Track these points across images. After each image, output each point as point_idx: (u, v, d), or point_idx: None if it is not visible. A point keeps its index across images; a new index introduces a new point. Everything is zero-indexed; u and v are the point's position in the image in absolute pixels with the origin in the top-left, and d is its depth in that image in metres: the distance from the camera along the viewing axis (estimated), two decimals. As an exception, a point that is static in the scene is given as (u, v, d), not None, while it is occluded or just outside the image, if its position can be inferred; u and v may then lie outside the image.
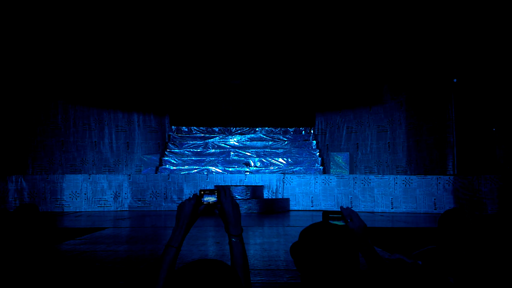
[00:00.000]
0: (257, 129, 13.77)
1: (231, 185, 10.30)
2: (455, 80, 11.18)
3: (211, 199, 1.80)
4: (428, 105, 11.33)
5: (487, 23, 9.88)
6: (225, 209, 1.80)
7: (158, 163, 12.21)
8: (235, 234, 1.76)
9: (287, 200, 10.65)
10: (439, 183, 10.33)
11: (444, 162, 11.27)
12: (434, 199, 10.20)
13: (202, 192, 1.79)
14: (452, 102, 11.13)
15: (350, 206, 10.60)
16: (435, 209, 10.15)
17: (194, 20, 12.13)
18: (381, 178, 10.56)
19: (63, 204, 10.28)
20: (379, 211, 10.38)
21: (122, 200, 10.48)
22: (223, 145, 13.33)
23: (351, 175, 11.14)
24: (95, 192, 10.44)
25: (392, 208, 10.36)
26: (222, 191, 1.80)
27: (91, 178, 10.54)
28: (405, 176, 10.66)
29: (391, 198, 10.39)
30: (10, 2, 9.80)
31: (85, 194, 10.39)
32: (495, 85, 10.37)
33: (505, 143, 10.51)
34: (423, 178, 10.43)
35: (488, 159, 10.75)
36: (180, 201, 11.09)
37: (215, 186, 9.76)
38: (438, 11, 10.32)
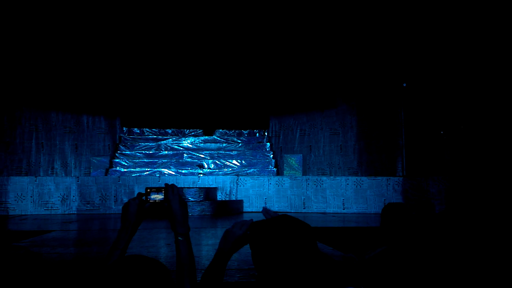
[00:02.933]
0: (212, 132, 13.67)
1: (184, 187, 10.16)
2: (404, 85, 11.51)
3: (158, 197, 1.76)
4: (379, 109, 11.61)
5: (437, 28, 10.23)
6: (172, 207, 1.75)
7: (108, 165, 11.91)
8: (182, 233, 1.72)
9: (241, 201, 10.62)
10: (389, 184, 10.57)
11: (394, 164, 11.57)
12: (384, 199, 10.43)
13: (148, 190, 1.74)
14: (401, 106, 11.45)
15: (303, 207, 10.74)
16: (385, 210, 10.36)
17: (148, 19, 11.95)
18: (333, 179, 10.70)
19: (8, 207, 9.84)
20: (331, 211, 10.51)
21: (70, 203, 10.14)
22: (176, 147, 13.16)
23: (304, 176, 11.23)
24: (41, 195, 10.06)
25: (343, 209, 10.50)
26: (170, 188, 1.75)
27: (37, 180, 10.14)
28: (356, 177, 10.85)
29: (343, 199, 10.54)
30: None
31: (31, 197, 9.99)
32: (443, 90, 10.74)
33: (452, 146, 10.90)
34: (374, 179, 10.65)
35: (436, 161, 11.12)
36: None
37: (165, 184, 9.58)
38: (390, 17, 10.59)
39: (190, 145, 13.35)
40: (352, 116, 12.19)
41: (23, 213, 9.88)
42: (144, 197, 1.73)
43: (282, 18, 12.08)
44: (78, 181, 10.30)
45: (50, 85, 11.64)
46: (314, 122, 12.88)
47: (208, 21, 12.20)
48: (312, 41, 12.44)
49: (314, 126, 12.88)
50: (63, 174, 11.39)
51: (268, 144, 13.54)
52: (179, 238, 1.71)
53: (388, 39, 10.82)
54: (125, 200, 10.06)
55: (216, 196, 10.53)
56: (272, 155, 13.16)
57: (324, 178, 10.86)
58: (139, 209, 1.74)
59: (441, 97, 10.78)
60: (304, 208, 10.57)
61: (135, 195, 1.75)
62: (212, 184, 10.79)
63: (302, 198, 10.71)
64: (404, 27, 10.42)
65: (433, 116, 11.04)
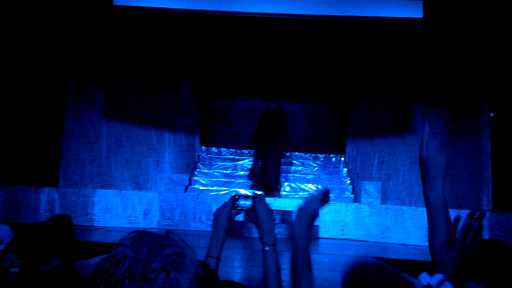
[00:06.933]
0: (286, 154, 13.63)
1: (260, 209, 10.16)
2: (492, 115, 10.94)
3: (246, 203, 1.76)
4: (463, 139, 11.08)
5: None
6: (259, 215, 1.74)
7: (187, 183, 12.18)
8: (269, 243, 1.70)
9: (317, 227, 10.44)
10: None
11: (479, 197, 10.95)
12: (470, 234, 9.84)
13: (237, 197, 1.74)
14: (488, 136, 10.86)
15: (382, 237, 10.38)
16: (470, 245, 9.79)
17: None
18: (414, 210, 10.30)
19: (93, 219, 10.30)
20: (412, 243, 10.08)
21: (151, 218, 10.45)
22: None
23: (383, 205, 10.90)
24: (125, 208, 10.45)
25: (425, 242, 10.01)
26: (257, 196, 1.75)
27: (121, 194, 10.57)
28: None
29: (425, 231, 10.05)
30: None
31: (115, 209, 10.40)
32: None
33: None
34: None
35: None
36: (209, 222, 11.09)
37: (253, 192, 9.63)
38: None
39: (266, 167, 13.38)
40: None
41: (107, 225, 10.29)
42: (232, 204, 1.74)
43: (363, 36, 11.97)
44: (159, 196, 10.62)
45: (137, 103, 12.18)
46: (393, 149, 12.52)
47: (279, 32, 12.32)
48: (392, 62, 12.21)
49: (393, 153, 12.52)
50: (145, 189, 11.78)
51: (345, 169, 13.30)
52: (266, 248, 1.69)
53: (467, 62, 10.36)
54: (203, 218, 10.26)
55: (292, 219, 10.42)
56: (349, 181, 12.90)
57: (404, 207, 10.47)
58: (230, 216, 1.74)
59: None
60: (383, 238, 10.22)
61: (213, 213, 1.75)
62: (288, 208, 10.72)
63: (381, 227, 10.37)
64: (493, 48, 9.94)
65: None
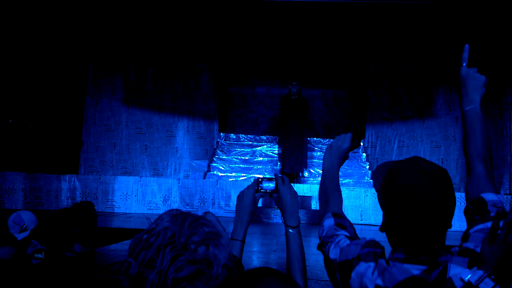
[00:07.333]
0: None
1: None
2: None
3: (270, 185, 1.75)
4: (485, 121, 10.88)
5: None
6: (282, 197, 1.73)
7: (206, 169, 12.26)
8: (292, 226, 1.69)
9: (336, 212, 10.42)
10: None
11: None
12: (491, 219, 9.73)
13: (260, 179, 1.73)
14: (510, 119, 10.65)
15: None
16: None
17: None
18: (434, 195, 10.18)
19: (114, 205, 10.45)
20: (432, 228, 10.00)
21: (171, 204, 10.56)
22: (270, 153, 13.24)
23: (402, 190, 10.80)
24: (145, 195, 10.57)
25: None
26: (280, 178, 1.73)
27: (141, 180, 10.69)
28: (459, 193, 10.23)
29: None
30: None
31: (135, 196, 10.53)
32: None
33: None
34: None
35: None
36: (228, 208, 11.16)
37: (274, 174, 9.69)
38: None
39: (284, 152, 13.38)
40: (455, 128, 11.56)
41: (127, 211, 10.43)
42: (256, 186, 1.73)
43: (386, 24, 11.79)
44: (179, 183, 10.71)
45: (156, 90, 12.25)
46: (413, 133, 12.39)
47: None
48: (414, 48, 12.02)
49: (413, 137, 12.39)
50: (164, 176, 11.88)
51: (364, 154, 13.22)
52: (290, 230, 1.68)
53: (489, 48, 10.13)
54: (222, 204, 10.32)
55: (311, 205, 10.44)
56: (368, 166, 12.83)
57: (424, 192, 10.37)
58: (254, 198, 1.74)
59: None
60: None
61: (232, 199, 1.75)
62: (306, 193, 10.71)
63: (401, 212, 10.29)
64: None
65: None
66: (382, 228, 1.40)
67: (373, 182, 1.52)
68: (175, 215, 0.95)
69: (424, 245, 1.27)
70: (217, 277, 0.88)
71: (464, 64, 1.63)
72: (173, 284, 0.84)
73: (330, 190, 1.70)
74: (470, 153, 1.55)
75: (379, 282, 1.24)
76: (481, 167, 1.50)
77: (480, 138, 1.55)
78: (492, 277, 1.08)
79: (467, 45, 1.72)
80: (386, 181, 1.36)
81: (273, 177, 1.72)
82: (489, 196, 1.38)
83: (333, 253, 1.42)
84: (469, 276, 1.10)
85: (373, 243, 1.36)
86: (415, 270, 1.24)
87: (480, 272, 1.09)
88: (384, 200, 1.37)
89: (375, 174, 1.49)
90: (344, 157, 1.73)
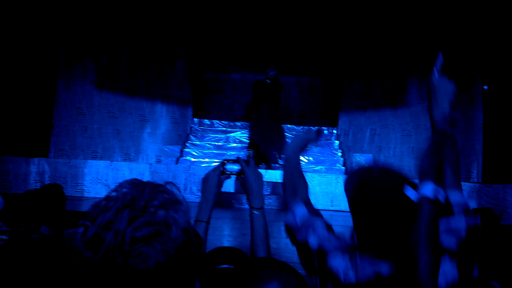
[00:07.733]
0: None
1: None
2: (485, 87, 10.93)
3: (234, 167, 1.77)
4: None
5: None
6: (247, 179, 1.75)
7: (179, 154, 12.19)
8: (257, 207, 1.72)
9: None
10: (464, 190, 10.07)
11: (469, 169, 11.03)
12: (458, 206, 9.97)
13: (225, 162, 1.75)
14: (481, 109, 10.86)
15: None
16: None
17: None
18: (404, 182, 10.37)
19: (83, 189, 10.31)
20: (401, 215, 10.19)
21: (142, 189, 10.48)
22: (244, 140, 13.24)
23: (373, 177, 10.96)
24: (116, 179, 10.44)
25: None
26: (244, 161, 1.75)
27: (113, 165, 10.56)
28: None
29: (414, 203, 10.18)
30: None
31: (105, 180, 10.41)
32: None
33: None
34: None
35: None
36: (200, 193, 11.09)
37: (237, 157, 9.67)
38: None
39: (258, 139, 13.39)
40: (427, 117, 11.74)
41: (97, 196, 10.31)
42: (221, 168, 1.74)
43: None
44: (151, 167, 10.63)
45: (130, 74, 12.08)
46: (385, 122, 12.56)
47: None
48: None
49: (385, 126, 12.56)
50: (136, 161, 11.78)
51: (337, 142, 13.35)
52: (254, 212, 1.71)
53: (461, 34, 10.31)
54: (194, 189, 10.29)
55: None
56: (340, 154, 12.97)
57: (395, 180, 10.54)
58: (219, 180, 1.76)
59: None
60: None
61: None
62: (279, 180, 10.77)
63: (371, 199, 10.46)
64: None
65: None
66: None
67: (345, 188, 1.56)
68: (135, 183, 0.96)
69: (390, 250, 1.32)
70: (176, 239, 0.89)
71: (436, 70, 1.67)
72: (131, 244, 0.85)
73: (296, 175, 1.73)
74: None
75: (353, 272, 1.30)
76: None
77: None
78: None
79: (440, 52, 1.76)
80: (358, 195, 1.42)
81: (237, 159, 1.72)
82: None
83: (313, 240, 1.46)
84: (424, 191, 1.21)
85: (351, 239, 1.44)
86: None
87: (431, 184, 1.21)
88: (355, 211, 1.44)
89: (348, 181, 1.53)
90: (305, 146, 1.83)
